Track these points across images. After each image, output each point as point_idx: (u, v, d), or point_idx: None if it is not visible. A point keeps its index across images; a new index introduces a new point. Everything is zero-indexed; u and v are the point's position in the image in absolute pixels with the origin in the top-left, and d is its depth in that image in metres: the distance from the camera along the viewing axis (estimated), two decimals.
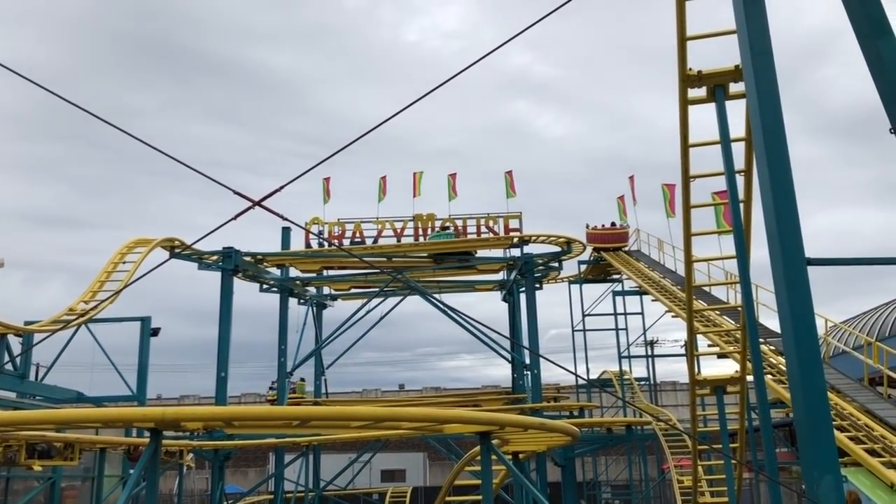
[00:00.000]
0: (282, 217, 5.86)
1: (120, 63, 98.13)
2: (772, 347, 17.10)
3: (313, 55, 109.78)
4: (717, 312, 19.69)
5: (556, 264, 28.18)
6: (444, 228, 26.46)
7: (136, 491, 13.28)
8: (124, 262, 21.65)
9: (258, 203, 5.65)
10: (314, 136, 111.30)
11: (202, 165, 5.68)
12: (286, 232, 27.04)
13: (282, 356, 26.30)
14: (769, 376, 15.20)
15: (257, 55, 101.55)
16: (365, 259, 24.24)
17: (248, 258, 24.74)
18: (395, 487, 29.64)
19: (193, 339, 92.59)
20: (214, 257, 23.85)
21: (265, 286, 27.10)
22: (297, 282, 28.14)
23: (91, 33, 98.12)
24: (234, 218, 5.88)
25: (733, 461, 14.10)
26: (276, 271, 27.20)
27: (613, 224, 31.36)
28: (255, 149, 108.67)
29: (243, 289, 26.29)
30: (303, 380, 28.59)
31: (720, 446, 14.19)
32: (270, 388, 28.69)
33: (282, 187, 5.64)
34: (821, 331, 18.71)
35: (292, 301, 28.32)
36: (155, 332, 22.65)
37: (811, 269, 5.68)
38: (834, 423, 13.56)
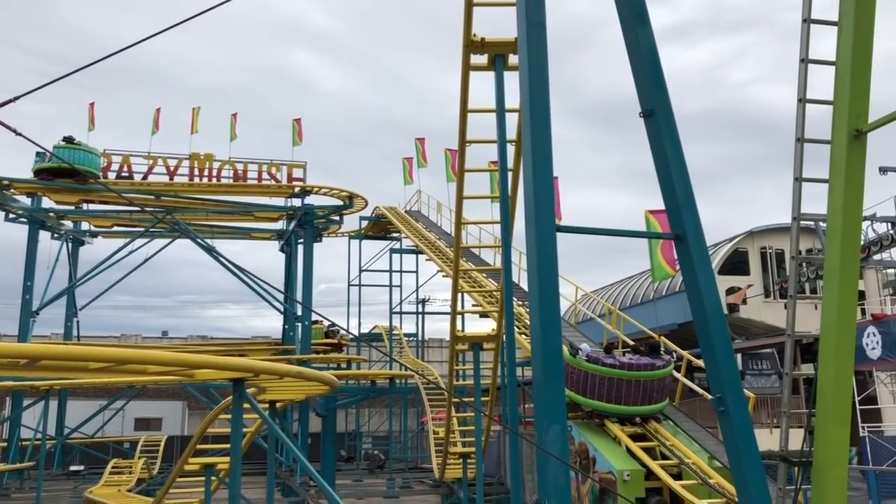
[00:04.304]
0: (14, 132, 5.20)
1: None
2: (528, 309, 18.23)
3: None
4: (484, 274, 20.70)
5: (338, 218, 28.21)
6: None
7: None
8: None
9: None
10: (65, 58, 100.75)
11: None
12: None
13: (27, 293, 24.06)
14: (523, 336, 16.23)
15: None
16: (126, 196, 22.49)
17: None
18: (148, 436, 28.34)
19: None
20: None
21: (12, 215, 24.54)
22: (51, 214, 25.74)
23: None
24: None
25: (483, 414, 14.95)
26: (26, 200, 24.68)
27: None
28: None
29: None
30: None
31: (472, 399, 15.00)
32: (327, 334, 27.42)
33: (15, 98, 4.99)
34: (573, 298, 20.31)
35: (44, 235, 25.95)
36: None
37: (566, 240, 6.10)
38: None
